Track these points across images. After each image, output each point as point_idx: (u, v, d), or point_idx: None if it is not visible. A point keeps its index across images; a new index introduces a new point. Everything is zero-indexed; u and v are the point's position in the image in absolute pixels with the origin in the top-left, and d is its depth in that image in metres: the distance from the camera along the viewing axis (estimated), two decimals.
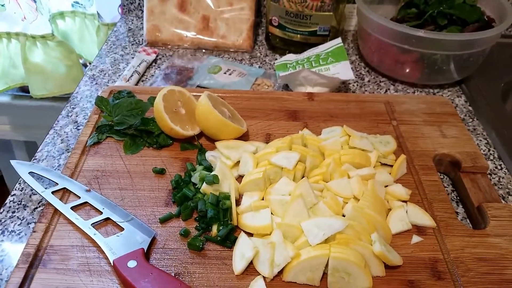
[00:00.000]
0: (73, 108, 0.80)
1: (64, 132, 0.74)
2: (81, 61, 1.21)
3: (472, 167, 0.66)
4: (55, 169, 0.67)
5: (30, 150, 1.56)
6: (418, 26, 0.88)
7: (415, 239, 0.55)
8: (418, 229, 0.57)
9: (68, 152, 0.70)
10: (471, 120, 0.82)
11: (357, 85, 0.90)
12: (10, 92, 1.25)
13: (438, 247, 0.55)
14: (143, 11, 1.08)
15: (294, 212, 0.53)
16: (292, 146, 0.63)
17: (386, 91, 0.89)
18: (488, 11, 0.90)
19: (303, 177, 0.61)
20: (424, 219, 0.57)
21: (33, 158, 0.70)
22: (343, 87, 0.89)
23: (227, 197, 0.56)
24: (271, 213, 0.55)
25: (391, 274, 0.51)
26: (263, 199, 0.58)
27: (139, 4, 1.08)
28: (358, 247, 0.50)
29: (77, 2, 1.09)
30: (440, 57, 0.84)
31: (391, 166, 0.65)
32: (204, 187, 0.57)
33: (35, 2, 1.03)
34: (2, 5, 1.07)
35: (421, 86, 0.91)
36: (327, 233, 0.50)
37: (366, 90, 0.89)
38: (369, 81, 0.92)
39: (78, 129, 0.75)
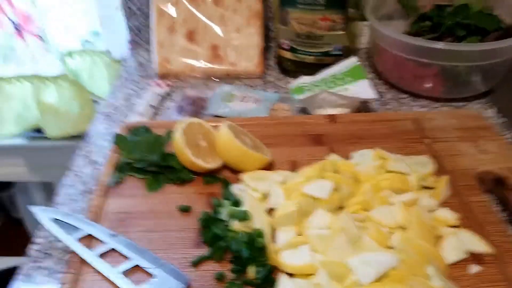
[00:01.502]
0: (90, 147, 0.77)
1: (83, 173, 0.72)
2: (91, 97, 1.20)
3: None
4: (77, 213, 0.64)
5: (48, 190, 1.55)
6: (436, 39, 0.86)
7: (474, 269, 0.51)
8: (475, 258, 0.52)
9: (89, 194, 0.67)
10: (508, 131, 0.78)
11: (378, 103, 0.87)
12: (26, 134, 1.24)
13: (501, 277, 0.50)
14: (151, 45, 1.08)
15: (337, 248, 0.50)
16: (324, 173, 0.59)
17: (410, 108, 0.86)
18: (508, 18, 0.87)
19: (339, 207, 0.57)
20: (480, 245, 0.53)
21: (53, 203, 0.67)
22: (363, 107, 0.86)
23: (261, 235, 0.52)
24: (312, 250, 0.52)
25: None
26: (299, 234, 0.55)
27: (147, 37, 1.07)
28: (415, 284, 0.46)
29: (86, 41, 1.09)
30: (463, 69, 0.82)
31: (432, 188, 0.61)
32: (235, 225, 0.54)
33: (44, 42, 1.02)
34: (12, 47, 1.06)
35: (446, 100, 0.87)
36: (379, 270, 0.46)
37: (388, 108, 0.86)
38: (390, 98, 0.89)
39: (97, 169, 0.72)
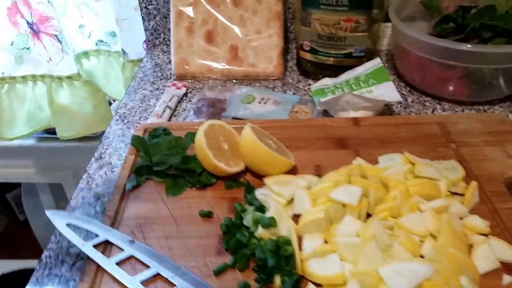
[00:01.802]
0: (106, 149, 0.75)
1: (99, 175, 0.70)
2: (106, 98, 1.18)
3: None
4: (92, 217, 0.62)
5: (56, 192, 1.53)
6: (461, 40, 0.83)
7: (507, 279, 0.48)
8: (506, 267, 0.50)
9: (105, 197, 0.65)
10: None
11: (401, 106, 0.85)
12: (35, 134, 1.22)
13: None
14: (168, 45, 1.06)
15: (368, 256, 0.47)
16: (351, 178, 0.57)
17: (433, 111, 0.83)
18: None
19: (367, 213, 0.55)
20: None
21: (68, 206, 0.65)
22: (386, 109, 0.83)
23: (288, 242, 0.50)
24: (340, 259, 0.49)
25: None
26: (326, 242, 0.52)
27: (164, 38, 1.06)
28: None
29: (101, 41, 1.07)
30: (488, 71, 0.79)
31: (462, 195, 0.58)
32: (260, 232, 0.52)
33: (60, 42, 1.01)
34: (27, 48, 1.05)
35: (469, 103, 0.85)
36: (413, 281, 0.43)
37: (411, 111, 0.83)
38: (412, 101, 0.86)
39: (113, 171, 0.70)
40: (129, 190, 0.61)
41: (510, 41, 0.81)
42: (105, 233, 0.54)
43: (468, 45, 0.76)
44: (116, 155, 0.74)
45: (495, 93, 0.83)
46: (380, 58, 1.00)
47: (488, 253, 0.50)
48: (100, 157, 0.74)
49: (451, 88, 0.84)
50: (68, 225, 0.56)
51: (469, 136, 0.70)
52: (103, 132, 0.81)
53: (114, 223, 0.57)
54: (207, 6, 0.91)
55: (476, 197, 0.58)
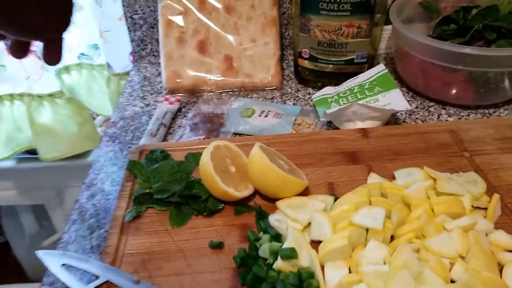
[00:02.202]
0: (97, 174, 0.69)
1: (92, 204, 0.64)
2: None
3: None
4: (88, 253, 0.56)
5: (38, 213, 1.45)
6: (465, 43, 0.80)
7: None
8: None
9: (101, 229, 0.60)
10: None
11: (406, 113, 0.81)
12: (16, 155, 1.15)
13: None
14: (156, 56, 1.01)
15: (399, 286, 0.43)
16: (371, 199, 0.53)
17: (438, 116, 0.80)
18: None
19: (391, 236, 0.51)
20: None
21: (60, 241, 0.59)
22: (391, 118, 0.80)
23: (311, 275, 0.45)
24: None
25: None
26: (349, 270, 0.48)
27: (151, 49, 1.00)
28: None
29: (83, 54, 1.01)
30: (494, 74, 0.76)
31: (484, 208, 0.55)
32: (279, 264, 0.47)
33: (40, 58, 0.94)
34: (3, 65, 0.98)
35: (475, 107, 0.82)
36: None
37: (417, 118, 0.80)
38: (416, 107, 0.83)
39: (108, 199, 0.64)
40: (128, 221, 0.56)
41: None
42: (106, 273, 0.49)
43: (473, 48, 0.73)
44: (109, 180, 0.68)
45: (501, 96, 0.81)
46: (379, 63, 0.97)
47: None
48: (92, 184, 0.68)
49: (455, 92, 0.81)
50: (63, 265, 0.50)
51: (482, 144, 0.67)
52: (88, 150, 0.75)
53: (115, 261, 0.51)
54: (198, 15, 0.86)
55: (498, 211, 0.55)
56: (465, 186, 0.56)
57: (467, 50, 0.73)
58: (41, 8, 0.36)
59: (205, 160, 0.54)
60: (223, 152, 0.58)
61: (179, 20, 0.86)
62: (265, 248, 0.49)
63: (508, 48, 0.76)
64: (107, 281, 0.48)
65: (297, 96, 0.87)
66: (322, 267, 0.48)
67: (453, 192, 0.54)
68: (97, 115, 1.18)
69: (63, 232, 0.61)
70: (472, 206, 0.55)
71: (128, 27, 0.95)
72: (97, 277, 0.49)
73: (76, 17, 0.97)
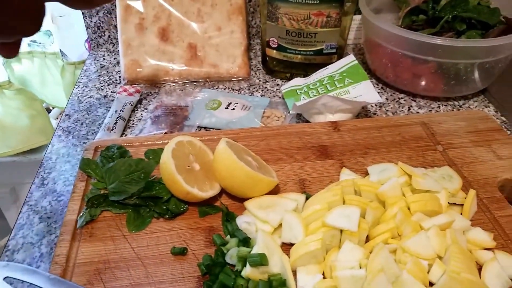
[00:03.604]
0: (48, 173, 0.63)
1: (42, 207, 0.58)
2: (43, 105, 1.04)
3: None
4: (37, 262, 0.51)
5: None
6: (435, 34, 0.78)
7: None
8: None
9: (51, 234, 0.54)
10: (509, 131, 0.72)
11: (376, 105, 0.79)
12: None
13: None
14: (114, 44, 0.94)
15: None
16: (345, 197, 0.50)
17: (409, 108, 0.79)
18: (502, 11, 0.81)
19: (366, 237, 0.48)
20: None
21: (5, 249, 0.53)
22: (362, 110, 0.77)
23: (283, 283, 0.42)
24: None
25: None
26: (323, 275, 0.45)
27: (109, 36, 0.93)
28: None
29: (34, 41, 0.93)
30: (464, 66, 0.75)
31: (460, 205, 0.53)
32: (248, 271, 0.43)
33: None
34: None
35: (445, 99, 0.81)
36: None
37: (387, 111, 0.78)
38: (387, 99, 0.81)
39: (59, 201, 0.59)
40: (81, 227, 0.50)
41: (486, 34, 0.77)
42: (55, 287, 0.44)
43: (443, 39, 0.72)
44: (61, 179, 0.62)
45: (470, 88, 0.80)
46: (348, 53, 0.95)
47: (499, 271, 0.46)
48: (42, 184, 0.62)
49: (425, 83, 0.79)
50: (6, 278, 0.45)
51: (455, 137, 0.66)
52: (43, 145, 0.69)
53: (65, 272, 0.46)
54: (159, 0, 0.80)
55: (474, 207, 0.54)
56: (440, 182, 0.54)
57: (438, 41, 0.71)
58: (16, 12, 0.33)
59: (166, 158, 0.50)
60: (186, 148, 0.53)
61: (138, 5, 0.80)
62: (232, 254, 0.46)
63: (478, 39, 0.75)
64: None
65: (265, 88, 0.83)
66: (294, 272, 0.45)
67: (429, 188, 0.52)
68: (52, 108, 1.10)
69: (8, 238, 0.55)
70: (448, 203, 0.53)
71: (83, 13, 0.87)
72: None
73: None
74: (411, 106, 0.80)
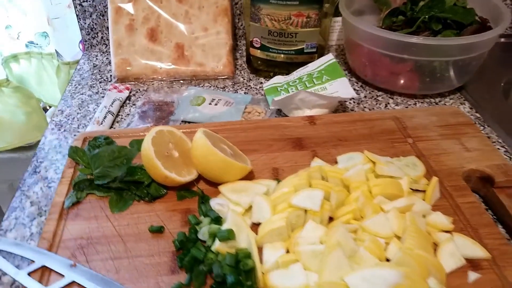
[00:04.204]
0: (40, 162, 0.68)
1: (34, 192, 0.62)
2: (40, 105, 1.08)
3: (506, 181, 0.59)
4: (27, 240, 0.55)
5: None
6: (411, 33, 0.82)
7: (472, 276, 0.47)
8: (472, 264, 0.49)
9: (41, 216, 0.58)
10: (482, 127, 0.76)
11: (354, 102, 0.83)
12: None
13: (500, 282, 0.47)
14: (107, 45, 0.99)
15: (333, 265, 0.44)
16: (312, 181, 0.54)
17: (386, 105, 0.82)
18: (479, 12, 0.85)
19: (330, 218, 0.52)
20: (476, 250, 0.49)
21: None
22: (340, 106, 0.81)
23: (248, 255, 0.46)
24: (304, 269, 0.46)
25: None
26: (288, 251, 0.49)
27: (102, 37, 0.98)
28: None
29: (31, 42, 0.98)
30: (439, 64, 0.79)
31: (422, 191, 0.57)
32: (218, 246, 0.47)
33: None
34: None
35: (421, 96, 0.85)
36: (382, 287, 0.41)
37: (365, 107, 0.82)
38: (365, 96, 0.85)
39: (50, 187, 0.63)
40: (68, 207, 0.54)
41: (460, 33, 0.81)
42: (41, 258, 0.48)
43: (418, 38, 0.75)
44: (52, 168, 0.66)
45: (446, 85, 0.84)
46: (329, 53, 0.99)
47: (453, 250, 0.49)
48: (35, 171, 0.66)
49: (402, 81, 0.83)
50: None
51: (425, 130, 0.69)
52: (39, 141, 0.73)
53: (52, 246, 0.50)
54: (148, 2, 0.85)
55: (437, 193, 0.57)
56: (404, 170, 0.58)
57: (413, 39, 0.75)
58: None
59: (146, 144, 0.54)
60: (166, 137, 0.57)
61: (128, 7, 0.85)
62: (204, 231, 0.49)
63: (452, 37, 0.78)
64: (43, 266, 0.47)
65: (249, 86, 0.88)
66: (262, 249, 0.49)
67: (391, 174, 0.56)
68: (49, 107, 1.15)
69: (2, 220, 0.59)
70: (412, 189, 0.57)
71: (77, 15, 0.92)
72: (32, 262, 0.48)
73: (24, 3, 0.94)
74: (388, 103, 0.83)
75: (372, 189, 0.53)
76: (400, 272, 0.42)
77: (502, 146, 0.71)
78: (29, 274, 0.47)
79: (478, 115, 0.80)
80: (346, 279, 0.43)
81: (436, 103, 0.83)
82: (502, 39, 1.05)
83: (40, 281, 0.46)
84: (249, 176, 0.59)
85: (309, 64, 0.82)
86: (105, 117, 0.74)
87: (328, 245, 0.46)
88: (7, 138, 0.99)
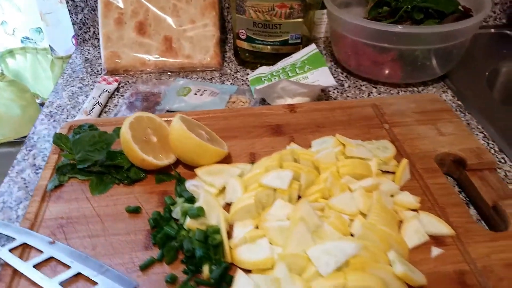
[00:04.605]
0: (29, 150, 0.70)
1: (22, 178, 0.65)
2: (38, 100, 1.12)
3: (478, 163, 0.61)
4: (13, 222, 0.57)
5: None
6: (394, 23, 0.84)
7: (435, 251, 0.49)
8: (436, 240, 0.50)
9: (27, 200, 0.61)
10: (463, 115, 0.77)
11: (338, 91, 0.85)
12: None
13: (462, 257, 0.48)
14: (99, 40, 1.01)
15: (297, 239, 0.46)
16: (283, 163, 0.56)
17: (368, 94, 0.84)
18: (462, 1, 0.87)
19: (299, 197, 0.54)
20: (441, 227, 0.51)
21: None
22: (323, 95, 0.83)
23: (217, 231, 0.48)
24: (270, 243, 0.48)
25: None
26: (257, 228, 0.51)
27: (94, 32, 1.00)
28: (376, 271, 0.43)
29: (26, 38, 1.01)
30: (421, 52, 0.80)
31: (393, 173, 0.59)
32: (189, 223, 0.49)
33: None
34: None
35: (404, 85, 0.86)
36: (340, 259, 0.43)
37: (348, 96, 0.84)
38: (349, 86, 0.87)
39: (37, 173, 0.66)
40: (50, 190, 0.57)
41: (442, 21, 0.82)
42: (22, 236, 0.51)
43: (400, 27, 0.77)
44: (40, 156, 0.69)
45: (429, 74, 0.85)
46: (318, 46, 1.01)
47: (418, 227, 0.51)
48: (23, 159, 0.69)
49: (385, 71, 0.85)
50: None
51: (402, 116, 0.70)
52: None
53: (33, 226, 0.53)
54: None
55: (407, 175, 0.59)
56: (374, 152, 0.60)
57: (393, 28, 0.76)
58: None
59: (124, 129, 0.56)
60: (145, 123, 0.59)
61: (118, 1, 0.87)
62: (178, 210, 0.52)
63: (432, 26, 0.80)
64: (23, 244, 0.50)
65: (236, 77, 0.90)
66: (233, 227, 0.51)
67: (360, 156, 0.58)
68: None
69: None
70: (382, 171, 0.59)
71: (69, 10, 0.95)
72: (14, 239, 0.50)
73: (18, 0, 0.97)
74: (372, 92, 0.85)
75: (340, 169, 0.55)
76: (358, 244, 0.44)
77: (481, 132, 0.73)
78: (10, 250, 0.49)
79: (459, 103, 0.81)
80: (308, 251, 0.45)
81: (419, 92, 0.85)
82: (492, 30, 1.06)
83: (20, 257, 0.49)
84: (227, 160, 0.61)
85: (293, 55, 0.83)
86: (93, 108, 0.77)
87: (292, 220, 0.48)
88: (2, 131, 1.02)
